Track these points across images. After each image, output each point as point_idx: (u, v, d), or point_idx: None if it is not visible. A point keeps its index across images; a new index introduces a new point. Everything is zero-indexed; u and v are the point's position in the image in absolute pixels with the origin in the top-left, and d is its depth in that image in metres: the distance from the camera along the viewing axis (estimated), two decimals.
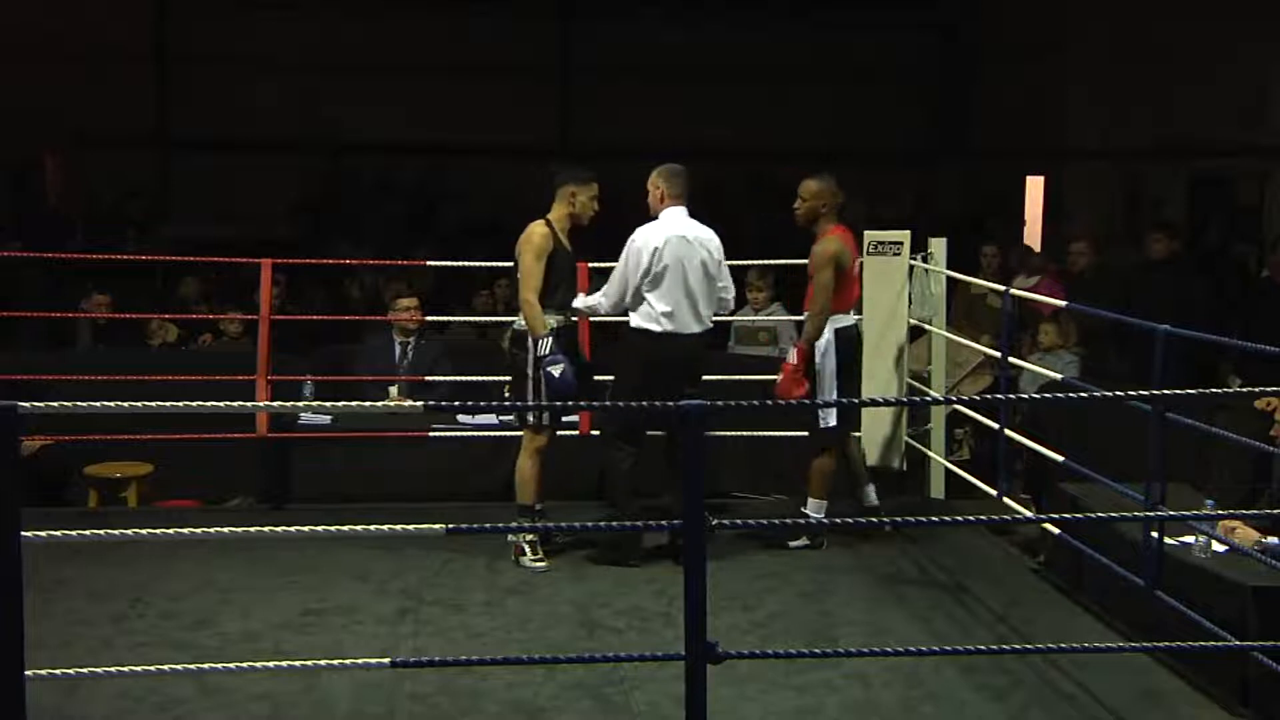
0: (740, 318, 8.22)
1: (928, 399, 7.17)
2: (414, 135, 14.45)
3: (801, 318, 8.11)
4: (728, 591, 5.64)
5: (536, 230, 6.00)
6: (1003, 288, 6.77)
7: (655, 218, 6.07)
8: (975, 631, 5.38)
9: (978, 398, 7.65)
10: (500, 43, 14.51)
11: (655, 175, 6.11)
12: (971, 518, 5.77)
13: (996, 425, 6.39)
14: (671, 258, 5.94)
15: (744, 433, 7.18)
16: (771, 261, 7.91)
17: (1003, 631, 5.38)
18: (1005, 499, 6.31)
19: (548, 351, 5.88)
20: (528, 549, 6.02)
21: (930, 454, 7.20)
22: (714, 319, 6.25)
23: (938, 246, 7.14)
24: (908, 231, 7.18)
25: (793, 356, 6.23)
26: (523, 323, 5.97)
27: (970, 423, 7.69)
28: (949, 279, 7.20)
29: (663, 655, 4.52)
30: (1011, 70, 13.68)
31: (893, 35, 14.68)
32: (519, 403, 6.02)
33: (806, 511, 6.34)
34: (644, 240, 5.99)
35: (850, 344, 6.39)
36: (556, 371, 5.82)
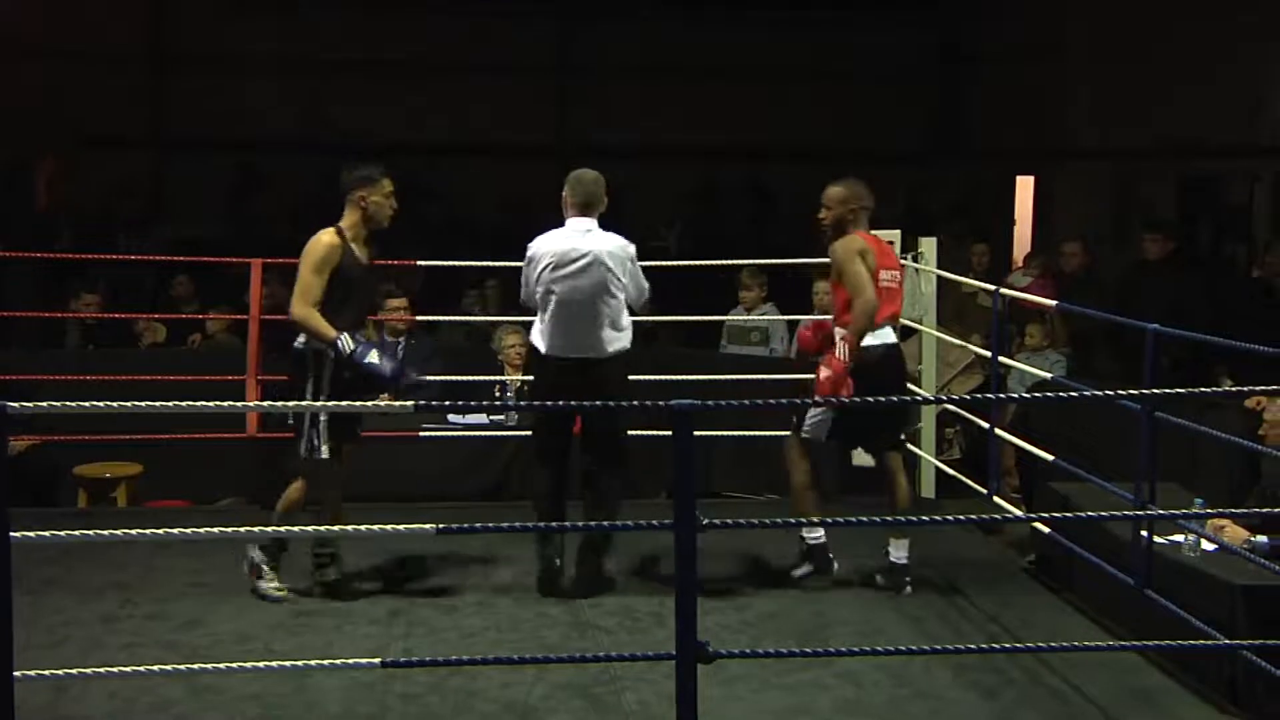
0: (732, 317, 8.22)
1: (918, 398, 7.18)
2: (410, 135, 14.42)
3: (793, 317, 8.16)
4: (719, 591, 5.64)
5: (322, 239, 5.36)
6: (993, 287, 6.78)
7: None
8: (966, 630, 5.38)
9: (968, 397, 7.66)
10: (500, 44, 14.51)
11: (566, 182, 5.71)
12: (962, 517, 5.79)
13: (987, 425, 6.40)
14: (556, 273, 5.53)
15: (735, 432, 7.17)
16: (763, 261, 7.92)
17: (993, 630, 5.38)
18: (996, 498, 6.32)
19: (351, 347, 5.28)
20: (266, 572, 5.53)
21: (921, 453, 7.21)
22: (633, 323, 5.70)
23: (928, 246, 7.15)
24: (898, 231, 7.18)
25: (842, 353, 5.53)
26: (302, 340, 5.38)
27: (961, 422, 7.70)
28: (939, 278, 7.21)
29: (654, 655, 4.52)
30: (1006, 71, 13.69)
31: (889, 36, 14.69)
32: (299, 431, 5.42)
33: (804, 536, 5.86)
34: (534, 250, 5.62)
35: (879, 367, 5.59)
36: (376, 360, 5.29)
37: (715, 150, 14.32)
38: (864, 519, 6.30)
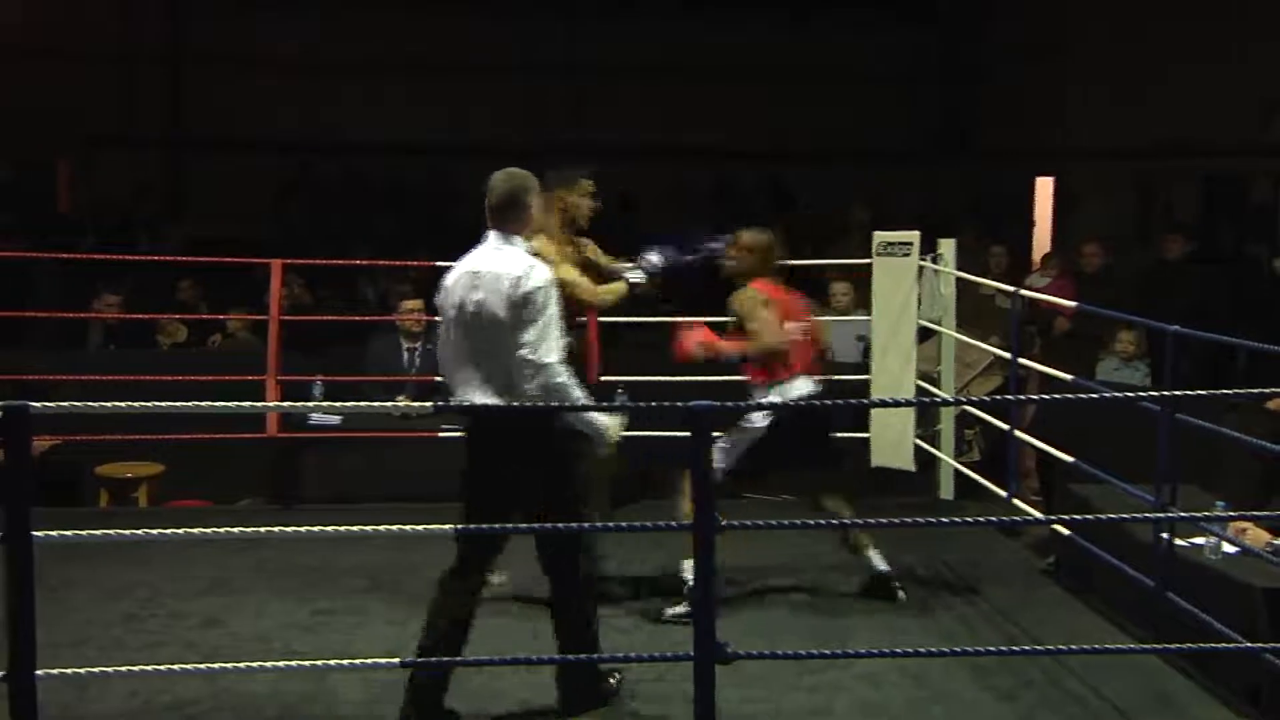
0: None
1: (936, 399, 7.16)
2: (420, 136, 14.45)
3: (815, 319, 8.14)
4: (737, 592, 5.64)
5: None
6: (1011, 288, 6.76)
7: None
8: (984, 632, 5.37)
9: (987, 398, 7.64)
10: (502, 43, 14.51)
11: None
12: (981, 519, 5.77)
13: (1006, 426, 6.38)
14: (452, 301, 4.38)
15: None
16: (781, 262, 7.90)
17: (1012, 633, 5.37)
18: (1015, 500, 6.30)
19: None
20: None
21: (940, 455, 7.19)
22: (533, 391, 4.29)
23: (946, 247, 7.13)
24: (917, 232, 7.17)
25: (705, 346, 5.43)
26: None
27: (980, 423, 7.68)
28: (958, 279, 7.20)
29: (672, 656, 4.52)
30: (1018, 70, 13.66)
31: (900, 35, 14.67)
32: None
33: (685, 576, 5.33)
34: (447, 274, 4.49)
35: (800, 421, 5.40)
36: None
37: (728, 151, 14.30)
38: (871, 520, 6.31)
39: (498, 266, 4.30)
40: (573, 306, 5.00)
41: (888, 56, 14.56)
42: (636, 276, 5.30)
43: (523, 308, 4.24)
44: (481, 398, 4.29)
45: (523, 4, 14.43)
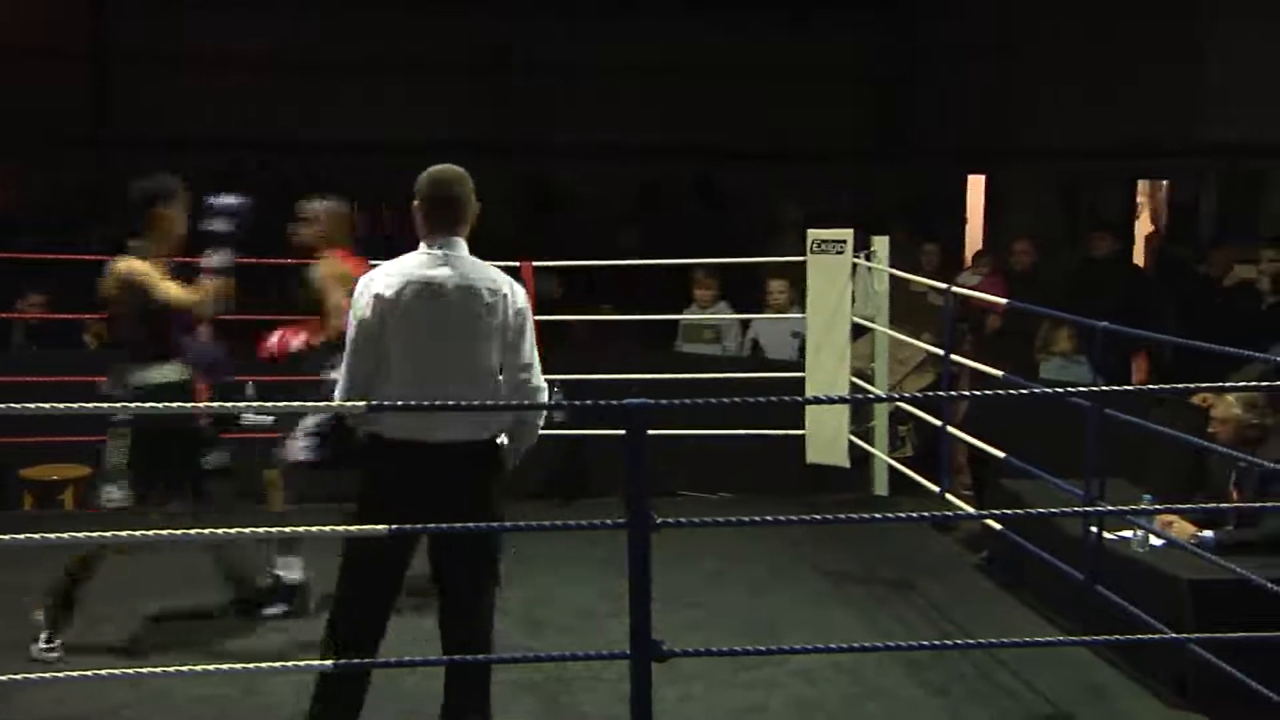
0: (687, 316, 8.23)
1: (870, 396, 7.20)
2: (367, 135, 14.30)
3: (748, 316, 8.19)
4: (671, 590, 5.64)
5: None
6: (944, 285, 6.81)
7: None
8: (918, 628, 5.41)
9: (920, 395, 7.70)
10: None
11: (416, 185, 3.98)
12: (915, 514, 5.81)
13: (939, 422, 6.44)
14: (401, 315, 3.82)
15: (689, 430, 7.18)
16: (718, 260, 7.93)
17: (946, 627, 5.42)
18: (948, 496, 6.36)
19: None
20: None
21: (874, 451, 7.24)
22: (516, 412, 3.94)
23: (880, 244, 7.18)
24: (850, 230, 7.21)
25: (294, 341, 5.49)
26: None
27: (913, 420, 7.74)
28: (891, 277, 7.24)
29: (607, 654, 4.52)
30: (955, 70, 13.78)
31: (837, 34, 14.73)
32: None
33: (279, 574, 5.42)
34: (363, 289, 3.88)
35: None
36: None
37: (663, 150, 14.29)
38: (806, 517, 6.34)
39: (467, 278, 3.83)
40: (185, 318, 5.08)
41: (821, 54, 14.61)
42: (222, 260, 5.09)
43: (511, 325, 3.85)
44: (432, 428, 3.77)
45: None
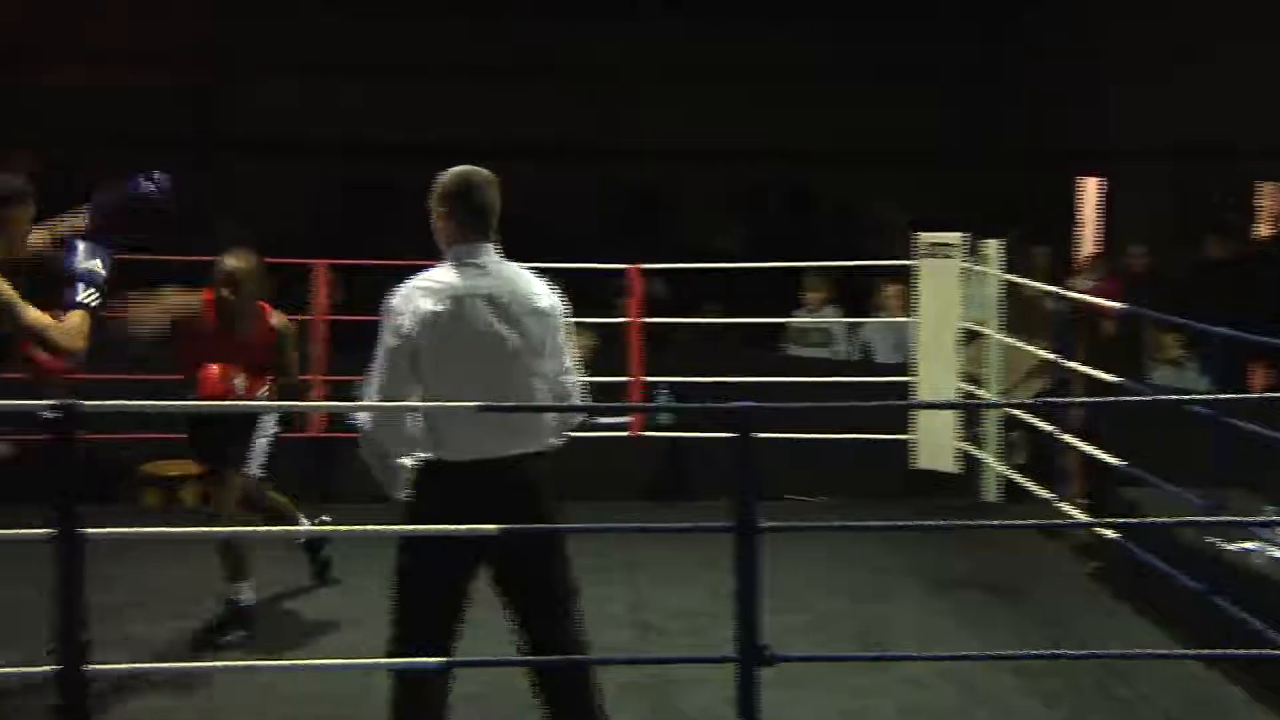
0: (795, 319, 8.22)
1: (980, 401, 7.12)
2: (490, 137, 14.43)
3: (856, 320, 8.14)
4: (775, 593, 5.61)
5: None
6: (1057, 290, 6.71)
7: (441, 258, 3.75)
8: (1030, 636, 5.32)
9: (1032, 401, 7.59)
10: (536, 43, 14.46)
11: (437, 185, 3.74)
12: (1026, 522, 5.73)
13: (1051, 428, 6.34)
14: (466, 329, 3.62)
15: (796, 434, 7.14)
16: (829, 264, 7.90)
17: (1057, 636, 5.32)
18: (1061, 503, 6.25)
19: None
20: None
21: (985, 457, 7.15)
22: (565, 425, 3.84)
23: (990, 249, 7.09)
24: (960, 233, 7.14)
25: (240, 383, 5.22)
26: None
27: (1025, 427, 7.63)
28: (1002, 281, 7.15)
29: (715, 658, 4.51)
30: (1068, 69, 13.56)
31: (941, 37, 14.57)
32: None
33: (235, 599, 5.24)
34: (404, 304, 3.63)
35: None
36: None
37: (762, 153, 14.23)
38: (913, 523, 6.28)
39: (517, 286, 3.66)
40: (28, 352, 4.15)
41: (924, 55, 14.46)
42: (88, 296, 4.15)
43: (558, 332, 3.73)
44: (503, 444, 3.61)
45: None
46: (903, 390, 7.13)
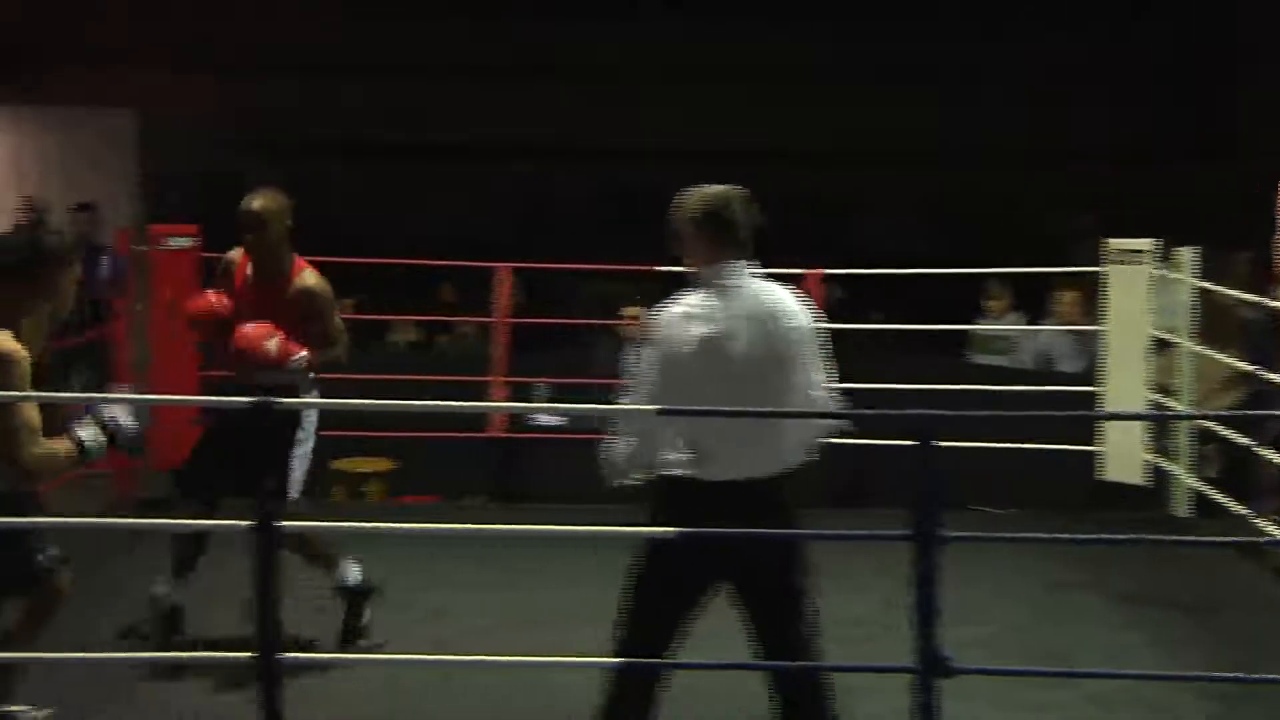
0: (978, 326, 8.08)
1: (1172, 412, 6.90)
2: (642, 140, 14.53)
3: (1041, 328, 7.96)
4: (953, 604, 5.53)
5: None
6: (1256, 298, 6.46)
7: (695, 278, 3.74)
8: (1222, 659, 5.13)
9: (1227, 413, 7.31)
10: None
11: (686, 206, 3.73)
12: (1221, 538, 5.53)
13: (1248, 442, 6.10)
14: (732, 349, 3.63)
15: (978, 443, 7.02)
16: (1013, 270, 7.74)
17: (1249, 659, 5.12)
18: (1257, 519, 6.02)
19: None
20: None
21: (1175, 470, 6.92)
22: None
23: (1184, 254, 6.86)
24: (1151, 239, 6.93)
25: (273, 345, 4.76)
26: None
27: (1219, 439, 7.36)
28: (1197, 289, 6.91)
29: (894, 667, 4.46)
30: (1268, 68, 13.04)
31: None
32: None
33: (345, 583, 5.10)
34: (673, 323, 3.65)
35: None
36: None
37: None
38: (1091, 536, 6.11)
39: (775, 304, 3.69)
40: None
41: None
42: (89, 435, 3.86)
43: (812, 347, 3.73)
44: (762, 464, 3.67)
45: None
46: (1087, 400, 6.95)
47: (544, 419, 7.36)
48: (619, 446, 3.74)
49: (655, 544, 3.70)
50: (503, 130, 14.18)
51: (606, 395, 7.59)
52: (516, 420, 7.41)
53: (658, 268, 8.13)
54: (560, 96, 13.86)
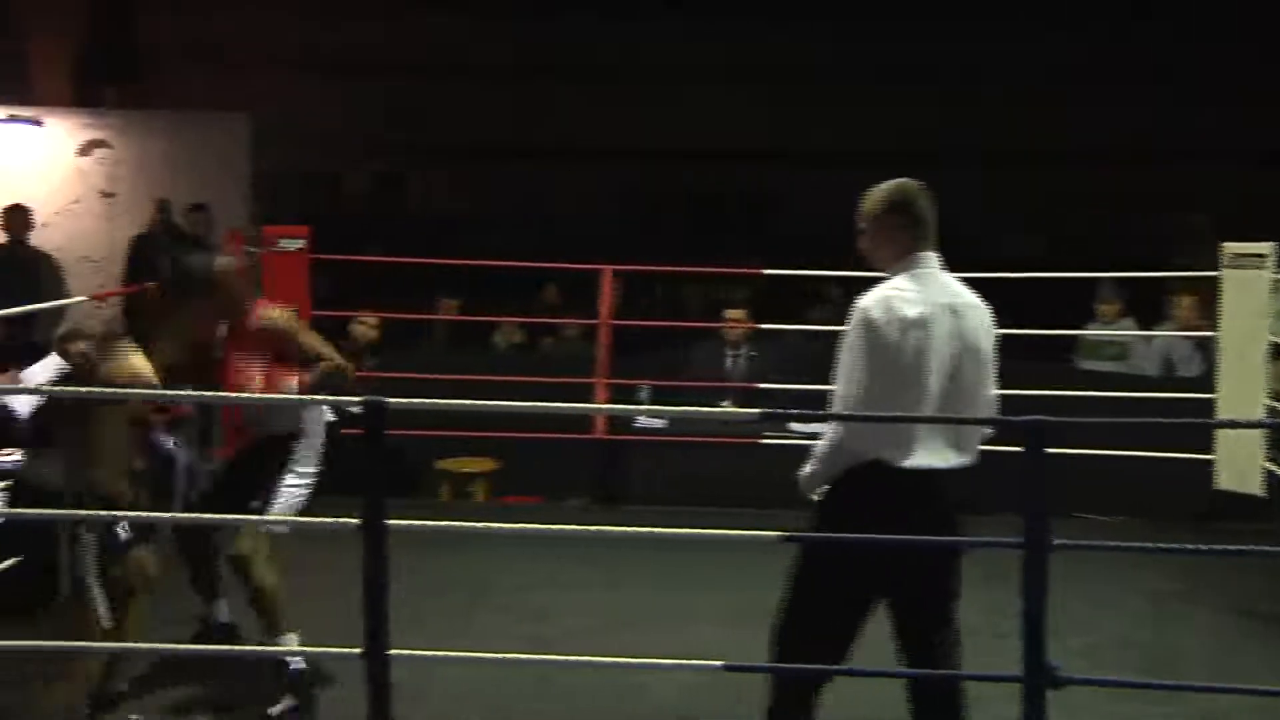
0: (1089, 331, 7.94)
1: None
2: (755, 143, 14.49)
3: (1153, 333, 7.77)
4: (1060, 613, 5.43)
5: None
6: None
7: (884, 270, 3.76)
8: None
9: None
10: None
11: (877, 200, 3.77)
12: None
13: None
14: (931, 344, 3.64)
15: (1088, 450, 6.90)
16: (1125, 274, 7.59)
17: None
18: None
19: None
20: None
21: None
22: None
23: None
24: (1271, 243, 6.75)
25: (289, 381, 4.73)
26: None
27: None
28: None
29: (1001, 675, 4.40)
30: None
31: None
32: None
33: (286, 661, 4.59)
34: (885, 313, 3.63)
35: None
36: None
37: (1062, 154, 13.75)
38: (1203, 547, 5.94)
39: (967, 296, 3.71)
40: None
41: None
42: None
43: (992, 342, 3.74)
44: (950, 454, 3.67)
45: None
46: (1201, 407, 6.79)
47: (646, 421, 7.38)
48: (831, 446, 3.74)
49: (828, 541, 3.72)
50: (607, 132, 14.25)
51: (706, 398, 7.62)
52: (619, 422, 7.43)
53: (764, 271, 8.13)
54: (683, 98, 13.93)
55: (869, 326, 3.60)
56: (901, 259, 3.68)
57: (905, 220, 3.69)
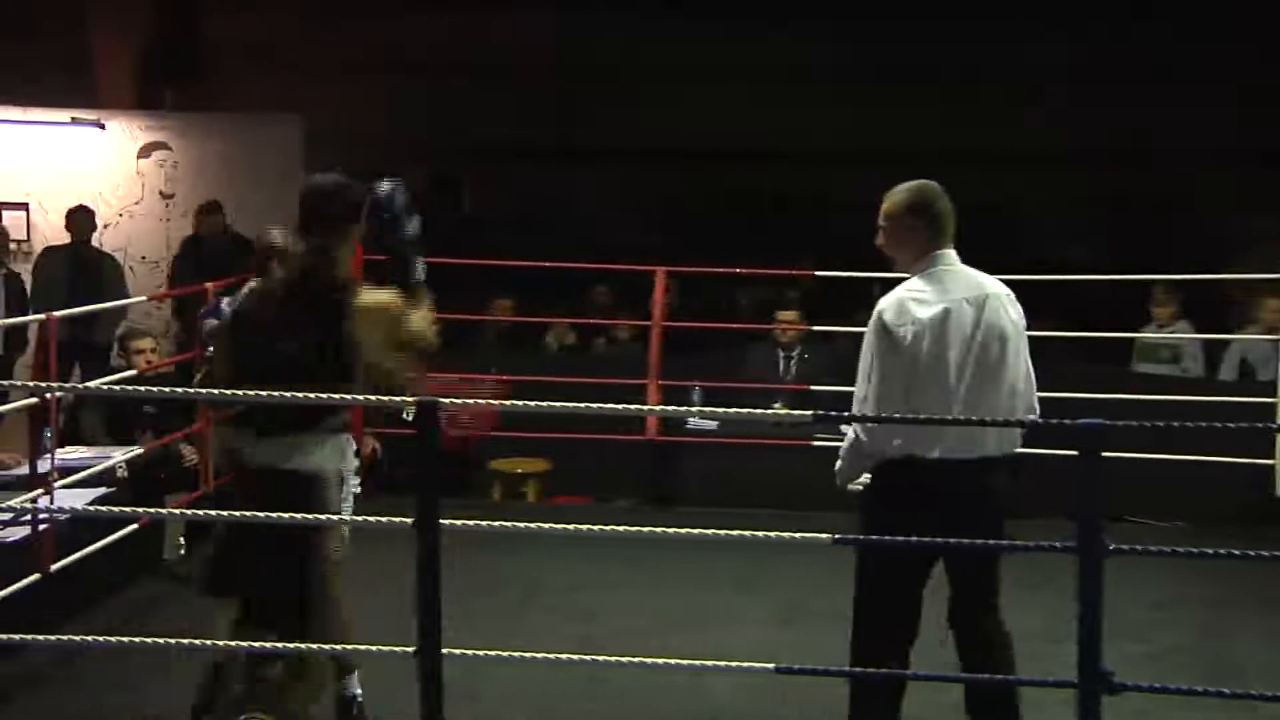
0: (1144, 334, 7.86)
1: None
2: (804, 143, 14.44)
3: (1209, 336, 7.67)
4: (1116, 618, 5.38)
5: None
6: None
7: (903, 269, 3.92)
8: None
9: None
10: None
11: (897, 201, 3.90)
12: None
13: None
14: (957, 336, 3.77)
15: (1142, 454, 6.83)
16: (1181, 276, 7.50)
17: None
18: None
19: None
20: None
21: None
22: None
23: None
24: None
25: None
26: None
27: None
28: None
29: (1057, 681, 4.37)
30: None
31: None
32: None
33: (348, 691, 4.31)
34: (900, 314, 3.77)
35: None
36: None
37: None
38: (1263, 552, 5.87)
39: (990, 289, 3.82)
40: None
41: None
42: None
43: (1023, 335, 3.85)
44: (976, 445, 3.76)
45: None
46: (1260, 411, 6.70)
47: (697, 423, 7.38)
48: (850, 444, 3.86)
49: (882, 535, 3.77)
50: (658, 133, 14.25)
51: (757, 400, 7.61)
52: (670, 423, 7.44)
53: (816, 273, 8.10)
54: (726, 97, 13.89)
55: (883, 329, 3.74)
56: (920, 259, 3.82)
57: (923, 221, 3.82)
